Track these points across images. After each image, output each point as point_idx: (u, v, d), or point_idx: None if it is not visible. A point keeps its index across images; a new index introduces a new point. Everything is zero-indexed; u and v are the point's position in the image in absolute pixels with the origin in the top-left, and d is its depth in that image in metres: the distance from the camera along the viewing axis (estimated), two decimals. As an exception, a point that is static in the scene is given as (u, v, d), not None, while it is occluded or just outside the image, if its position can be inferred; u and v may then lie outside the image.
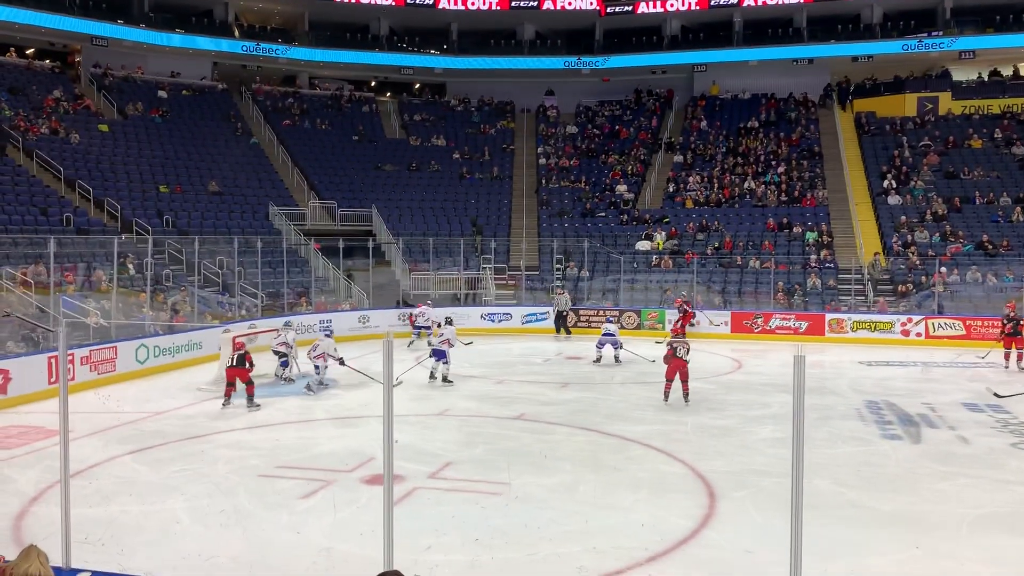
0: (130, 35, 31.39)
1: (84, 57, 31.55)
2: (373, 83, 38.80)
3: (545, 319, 24.89)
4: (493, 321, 24.12)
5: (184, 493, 9.07)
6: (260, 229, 26.39)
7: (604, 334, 18.65)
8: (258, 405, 13.72)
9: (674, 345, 13.96)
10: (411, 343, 20.71)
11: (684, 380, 13.74)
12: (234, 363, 13.88)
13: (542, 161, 33.47)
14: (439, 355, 15.85)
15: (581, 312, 24.79)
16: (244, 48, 33.56)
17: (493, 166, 33.21)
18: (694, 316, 22.85)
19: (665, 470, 10.14)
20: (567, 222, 29.84)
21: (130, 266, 21.05)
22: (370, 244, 25.81)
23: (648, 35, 36.40)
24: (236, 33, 34.35)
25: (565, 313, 24.11)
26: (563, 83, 36.78)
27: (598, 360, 18.56)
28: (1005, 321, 18.25)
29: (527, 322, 24.83)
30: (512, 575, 6.86)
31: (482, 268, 27.14)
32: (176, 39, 32.43)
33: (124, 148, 28.40)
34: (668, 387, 13.80)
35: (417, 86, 39.01)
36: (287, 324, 17.35)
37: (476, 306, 25.07)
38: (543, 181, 32.39)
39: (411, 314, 22.33)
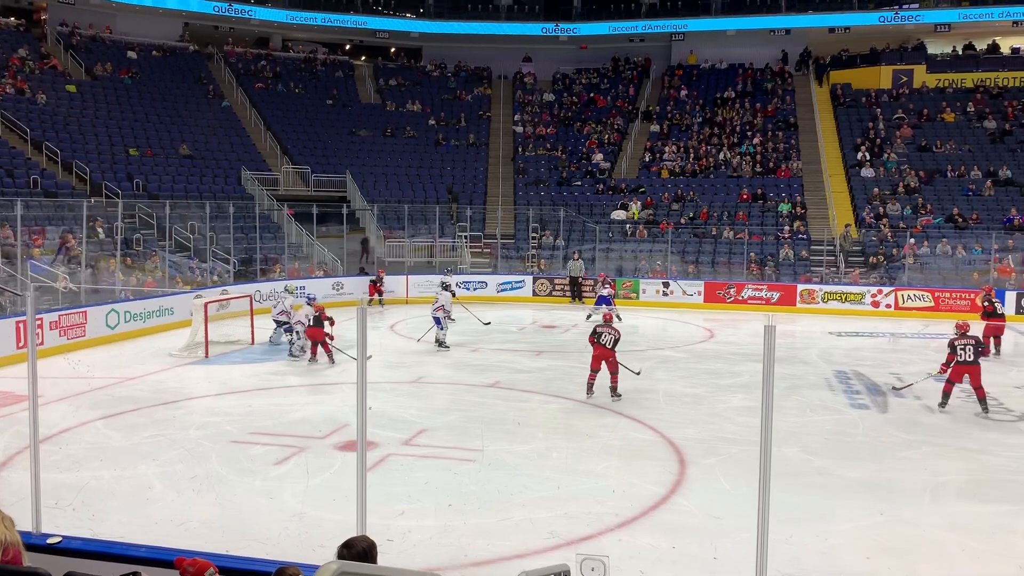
0: (98, -8, 30.62)
1: (50, 15, 30.72)
2: (348, 47, 38.23)
3: (521, 287, 24.94)
4: (468, 289, 24.10)
5: (156, 459, 9.04)
6: (232, 194, 26.07)
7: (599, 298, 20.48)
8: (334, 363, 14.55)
9: (598, 331, 12.26)
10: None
11: (613, 372, 12.06)
12: (311, 323, 14.66)
13: (519, 129, 33.28)
14: (436, 321, 16.34)
15: (556, 281, 24.87)
16: (216, 8, 32.86)
17: (469, 133, 32.97)
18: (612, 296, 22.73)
19: (636, 437, 10.27)
20: (543, 191, 29.78)
21: (100, 230, 20.74)
22: (344, 210, 25.61)
23: (626, 2, 36.14)
24: (207, -8, 33.62)
25: (580, 279, 24.42)
26: (540, 50, 36.46)
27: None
28: (983, 303, 18.14)
29: (502, 290, 24.86)
30: (484, 540, 6.93)
31: (458, 236, 27.07)
32: (146, -2, 31.68)
33: (93, 109, 27.82)
34: (592, 378, 12.21)
35: (393, 50, 38.50)
36: (286, 290, 17.17)
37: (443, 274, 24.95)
38: (519, 149, 32.24)
39: (371, 281, 23.45)
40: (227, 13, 32.99)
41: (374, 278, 23.50)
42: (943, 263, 23.63)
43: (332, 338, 14.73)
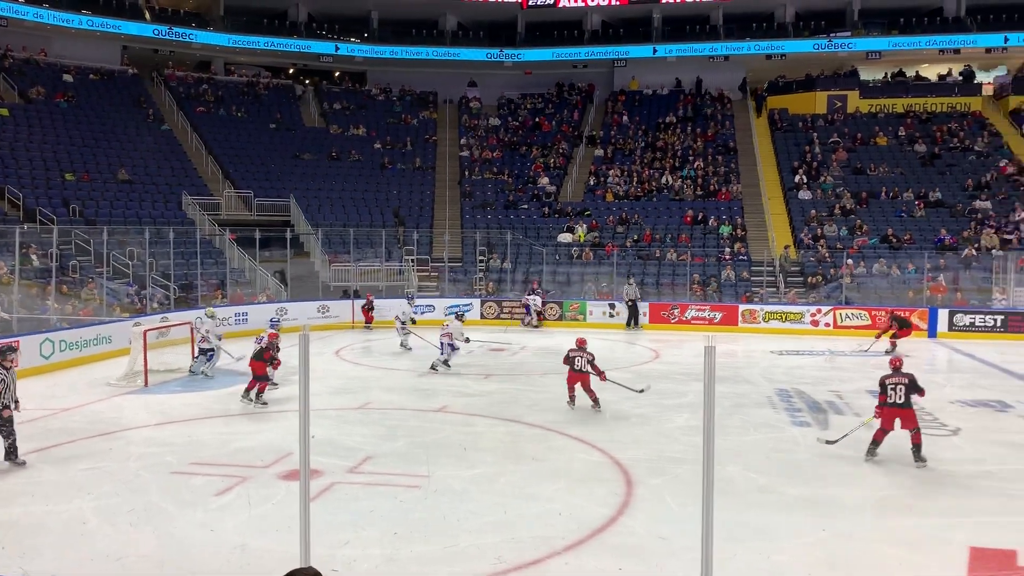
0: (32, 15, 29.94)
1: (-19, 37, 30.00)
2: (291, 70, 38.03)
3: (469, 310, 24.88)
4: (417, 313, 23.96)
5: (92, 492, 8.76)
6: (173, 219, 25.60)
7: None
8: (265, 403, 13.31)
9: (571, 355, 12.81)
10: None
11: (587, 391, 12.68)
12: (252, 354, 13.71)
13: (465, 153, 33.41)
14: (440, 346, 16.91)
15: (504, 304, 24.92)
16: (156, 32, 32.45)
17: (415, 156, 32.99)
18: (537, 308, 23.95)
19: (584, 459, 10.28)
20: (490, 214, 29.88)
21: (33, 257, 20.15)
22: (288, 235, 25.33)
23: (569, 29, 36.70)
24: (147, 16, 33.18)
25: (635, 304, 24.08)
26: (485, 75, 36.77)
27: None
28: (893, 321, 19.71)
29: (450, 314, 24.74)
30: (430, 568, 6.86)
31: (405, 260, 26.96)
32: (83, 20, 31.10)
33: (27, 133, 27.13)
34: (571, 392, 12.96)
35: (337, 74, 38.41)
36: (209, 315, 16.81)
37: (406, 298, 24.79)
38: (466, 172, 32.35)
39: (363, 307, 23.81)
40: (167, 36, 32.60)
41: (365, 303, 23.72)
42: (879, 282, 24.31)
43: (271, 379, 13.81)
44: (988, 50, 33.47)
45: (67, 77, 30.54)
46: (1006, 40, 32.88)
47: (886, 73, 35.72)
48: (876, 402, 10.22)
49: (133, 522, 7.87)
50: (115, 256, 21.94)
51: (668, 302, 24.44)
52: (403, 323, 19.76)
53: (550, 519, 7.97)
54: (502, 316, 24.50)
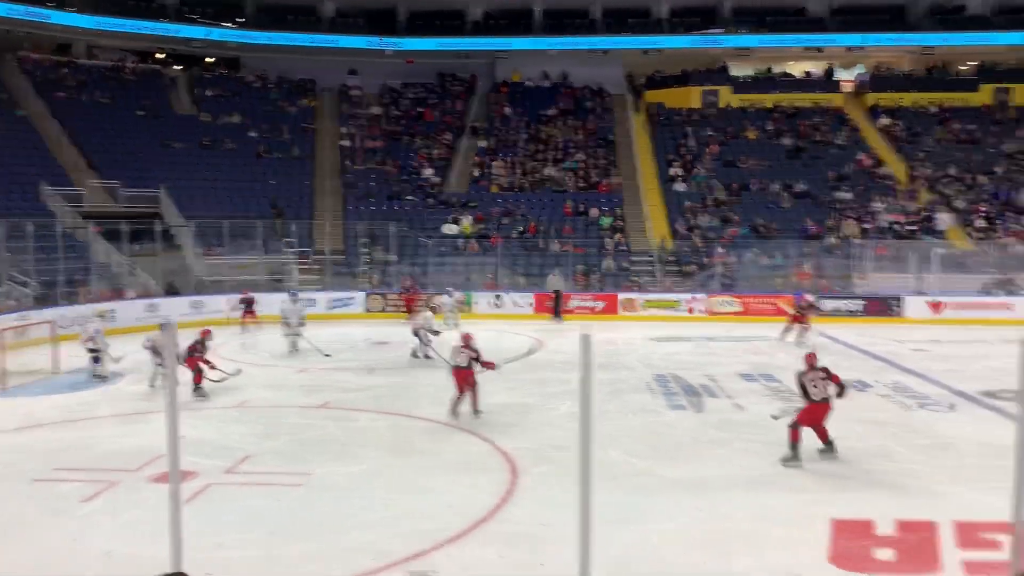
0: None
1: None
2: (161, 55, 36.26)
3: (352, 304, 24.51)
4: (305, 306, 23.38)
5: (-61, 506, 8.13)
6: (31, 211, 23.96)
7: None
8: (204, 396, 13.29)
9: (455, 350, 12.07)
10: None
11: (471, 391, 11.86)
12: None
13: (346, 142, 32.76)
14: (417, 335, 16.87)
15: (389, 297, 24.63)
16: (9, 11, 30.23)
17: (294, 146, 32.07)
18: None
19: (469, 450, 10.30)
20: (373, 205, 29.42)
21: None
22: (158, 228, 24.19)
23: (451, 19, 36.51)
24: (-2, -7, 30.86)
25: (560, 294, 23.97)
26: (366, 63, 36.11)
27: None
28: (799, 308, 19.37)
29: (333, 308, 24.33)
30: (311, 567, 6.72)
31: (284, 252, 26.21)
32: (-77, -4, 28.67)
33: None
34: (456, 401, 11.85)
35: (210, 60, 36.88)
36: (100, 315, 15.70)
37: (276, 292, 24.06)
38: (347, 162, 31.73)
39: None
40: (22, 16, 30.41)
41: (243, 301, 21.89)
42: (749, 270, 25.39)
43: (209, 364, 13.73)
44: (848, 49, 35.41)
45: (-94, 57, 28.12)
46: (865, 40, 34.87)
47: (755, 70, 37.28)
48: (780, 395, 10.11)
49: (-13, 535, 7.36)
50: (-35, 251, 20.40)
51: (550, 293, 24.75)
52: (288, 322, 18.22)
53: (434, 512, 7.94)
54: (387, 309, 24.20)
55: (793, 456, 9.38)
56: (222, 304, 22.91)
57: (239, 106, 33.45)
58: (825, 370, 9.67)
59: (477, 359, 11.88)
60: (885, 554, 7.09)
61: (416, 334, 16.99)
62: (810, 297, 20.20)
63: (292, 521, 7.71)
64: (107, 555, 6.87)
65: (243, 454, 9.99)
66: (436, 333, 17.00)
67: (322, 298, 24.37)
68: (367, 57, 35.76)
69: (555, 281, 24.20)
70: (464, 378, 11.79)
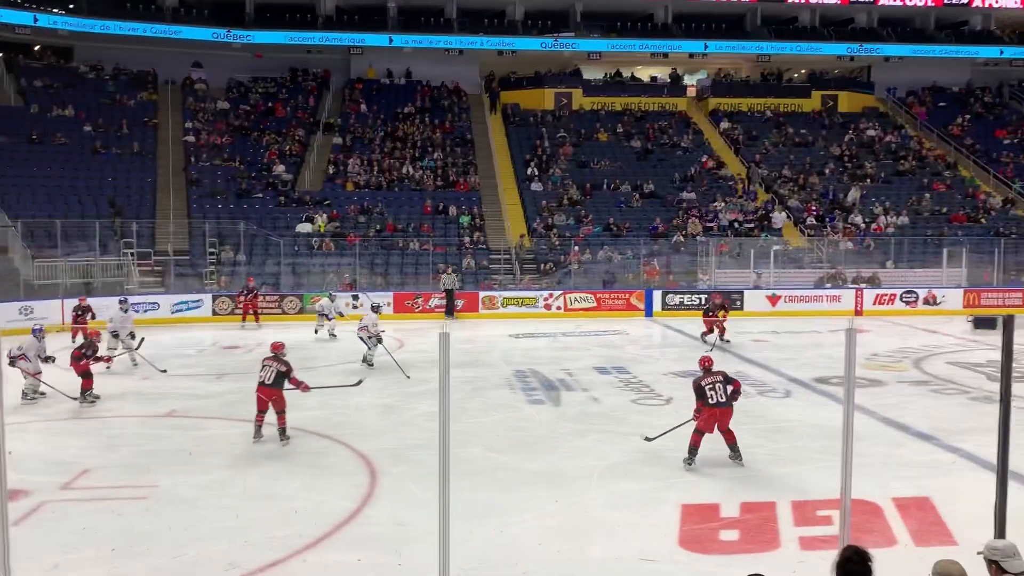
0: None
1: None
2: (-20, 41, 33.38)
3: (199, 306, 23.44)
4: (137, 311, 22.11)
5: None
6: None
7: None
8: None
9: (263, 364, 10.54)
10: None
11: (278, 411, 10.33)
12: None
13: (190, 138, 31.24)
14: (364, 342, 16.13)
15: (238, 299, 23.69)
16: None
17: (133, 141, 30.28)
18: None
19: (325, 454, 10.08)
20: (220, 203, 28.20)
21: None
22: (-20, 227, 22.26)
23: (302, 13, 35.61)
24: None
25: (452, 293, 23.60)
26: (212, 55, 34.58)
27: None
28: (710, 308, 19.10)
29: (177, 311, 23.18)
30: (157, 583, 6.36)
31: (123, 253, 24.71)
32: None
33: None
34: (258, 419, 10.46)
35: (38, 48, 34.26)
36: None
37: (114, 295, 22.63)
38: (192, 159, 30.27)
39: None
40: None
41: (76, 310, 19.02)
42: (602, 268, 26.17)
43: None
44: (691, 55, 37.10)
45: None
46: (706, 47, 36.64)
47: (606, 73, 38.44)
48: (696, 413, 9.39)
49: None
50: None
51: (412, 291, 24.62)
52: (116, 334, 16.16)
53: (289, 518, 7.70)
54: (237, 312, 23.27)
55: (690, 459, 9.19)
56: (54, 309, 21.34)
57: (72, 98, 31.31)
58: (723, 374, 9.47)
59: (287, 374, 10.33)
60: (730, 535, 7.47)
61: (360, 338, 16.18)
62: (718, 297, 20.28)
63: (136, 536, 7.27)
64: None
65: (80, 468, 9.34)
66: (379, 340, 15.95)
67: (166, 301, 23.18)
68: (213, 50, 34.28)
69: (449, 280, 24.19)
70: (268, 396, 10.25)
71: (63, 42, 33.60)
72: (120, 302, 17.80)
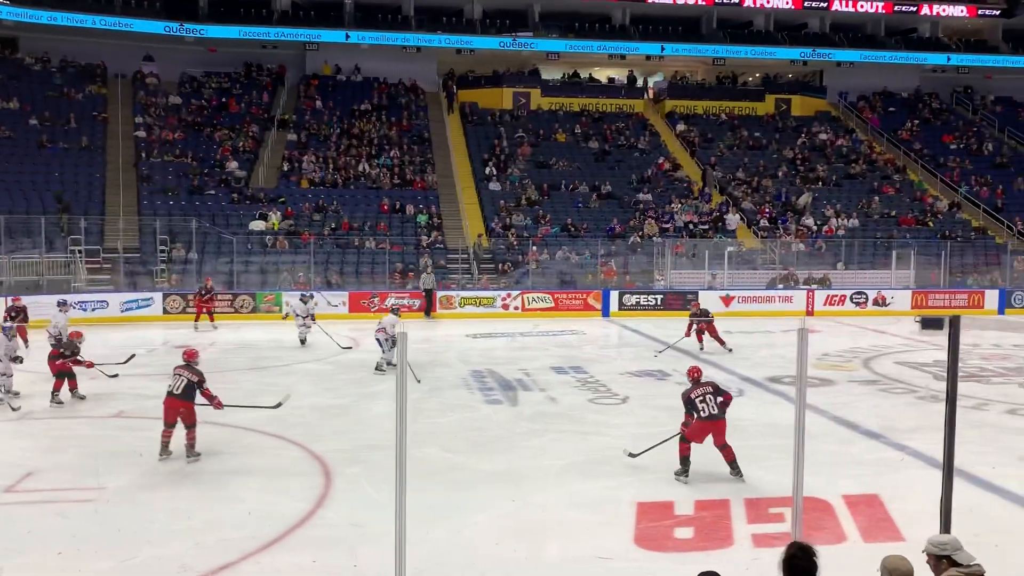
0: None
1: None
2: (-80, 30, 32.32)
3: (149, 305, 22.98)
4: (85, 310, 21.62)
5: None
6: None
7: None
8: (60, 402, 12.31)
9: (175, 374, 9.64)
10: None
11: (187, 425, 9.43)
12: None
13: (141, 133, 30.59)
14: (380, 343, 15.29)
15: (189, 297, 23.29)
16: None
17: (81, 135, 29.58)
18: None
19: (280, 455, 9.94)
20: (172, 200, 27.68)
21: None
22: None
23: (257, 7, 35.12)
24: None
25: (431, 292, 23.49)
26: (164, 49, 33.93)
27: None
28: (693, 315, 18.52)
29: (127, 310, 22.70)
30: (105, 588, 6.21)
31: (70, 251, 24.11)
32: None
33: None
34: (166, 434, 9.54)
35: (-19, 38, 33.30)
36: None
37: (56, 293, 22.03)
38: (143, 154, 29.64)
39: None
40: None
41: (9, 312, 17.22)
42: (560, 267, 26.26)
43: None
44: (648, 57, 37.42)
45: None
46: (663, 49, 36.97)
47: (564, 74, 38.58)
48: (683, 426, 8.93)
49: None
50: None
51: (368, 291, 24.43)
52: (59, 338, 14.10)
53: (241, 521, 7.58)
54: (188, 310, 22.86)
55: (683, 470, 8.74)
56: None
57: (16, 91, 30.49)
58: (713, 385, 8.99)
59: (199, 385, 9.47)
60: (685, 533, 7.54)
61: (377, 340, 15.34)
62: (699, 303, 20.32)
63: (80, 539, 7.09)
64: None
65: (24, 471, 9.09)
66: (394, 343, 14.67)
67: (115, 299, 22.69)
68: (165, 43, 33.64)
69: (427, 279, 24.09)
70: (176, 410, 9.37)
71: (8, 32, 32.68)
72: (59, 304, 16.67)
